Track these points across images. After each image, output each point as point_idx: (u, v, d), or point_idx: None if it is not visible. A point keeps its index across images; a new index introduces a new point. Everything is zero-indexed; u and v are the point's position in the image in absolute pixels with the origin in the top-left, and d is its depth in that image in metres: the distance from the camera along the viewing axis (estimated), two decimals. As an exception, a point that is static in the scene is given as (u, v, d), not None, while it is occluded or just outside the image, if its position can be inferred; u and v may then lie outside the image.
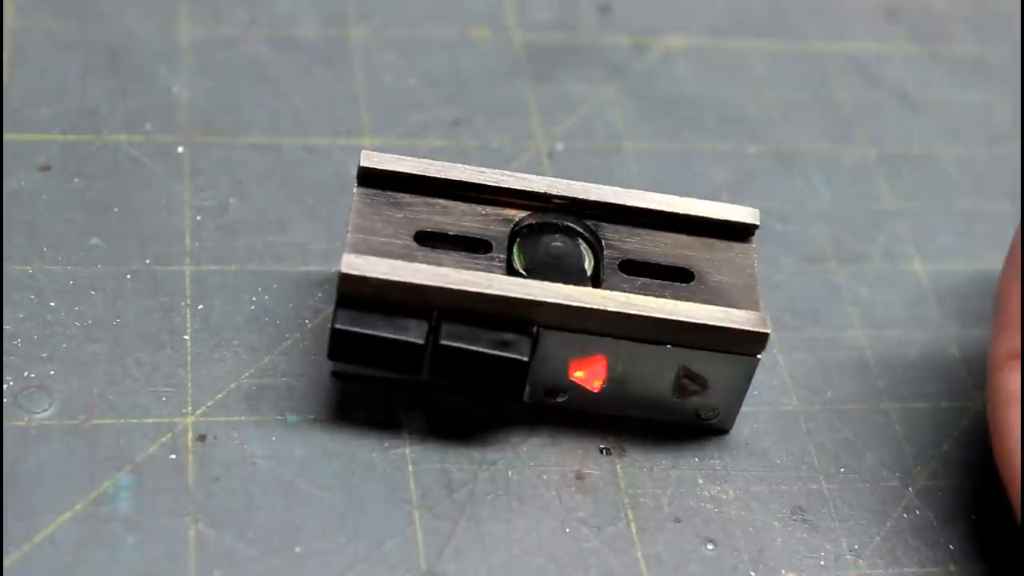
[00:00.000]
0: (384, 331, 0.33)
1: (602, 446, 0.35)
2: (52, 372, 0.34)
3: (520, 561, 0.33)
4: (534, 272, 0.34)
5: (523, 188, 0.35)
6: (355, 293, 0.33)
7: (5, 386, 0.34)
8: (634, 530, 0.34)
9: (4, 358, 0.34)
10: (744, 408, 0.36)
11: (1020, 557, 0.35)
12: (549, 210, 0.35)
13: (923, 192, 0.44)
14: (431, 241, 0.34)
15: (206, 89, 0.42)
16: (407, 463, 0.34)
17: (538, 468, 0.35)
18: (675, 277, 0.35)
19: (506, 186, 0.35)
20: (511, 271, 0.34)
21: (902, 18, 0.50)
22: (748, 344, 0.34)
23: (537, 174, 0.36)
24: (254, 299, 0.37)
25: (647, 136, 0.43)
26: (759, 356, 0.34)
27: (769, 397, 0.37)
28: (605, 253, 0.35)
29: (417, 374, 0.33)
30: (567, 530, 0.34)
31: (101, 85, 0.41)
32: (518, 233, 0.35)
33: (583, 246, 0.35)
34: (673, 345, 0.34)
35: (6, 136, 0.39)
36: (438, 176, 0.35)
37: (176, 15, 0.44)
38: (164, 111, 0.41)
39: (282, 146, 0.41)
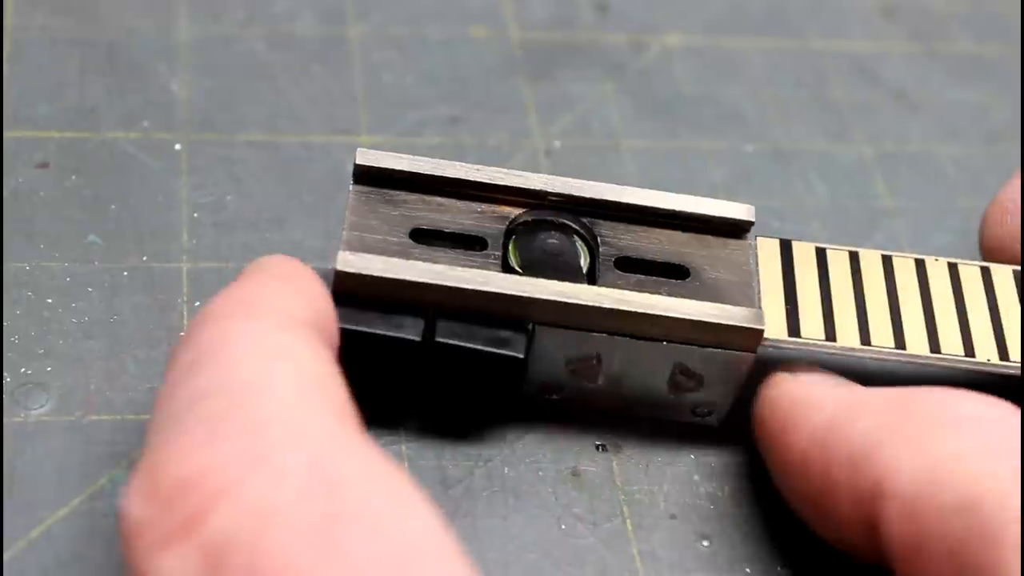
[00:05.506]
0: (380, 328, 0.33)
1: (598, 442, 0.35)
2: (49, 368, 0.34)
3: (515, 557, 0.33)
4: (530, 269, 0.34)
5: (519, 185, 0.35)
6: (351, 290, 0.33)
7: (2, 383, 0.34)
8: (630, 526, 0.34)
9: (1, 355, 0.34)
10: (740, 404, 0.36)
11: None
12: (545, 207, 0.35)
13: (920, 191, 0.44)
14: (427, 238, 0.34)
15: (204, 87, 0.42)
16: (403, 459, 0.34)
17: (534, 464, 0.35)
18: (671, 274, 0.35)
19: (502, 183, 0.35)
20: (507, 268, 0.34)
21: (900, 16, 0.50)
22: (744, 340, 0.34)
23: (534, 172, 0.36)
24: (251, 296, 0.37)
25: (644, 134, 0.43)
26: (755, 352, 0.34)
27: (765, 394, 0.37)
28: (601, 250, 0.35)
29: (413, 371, 0.33)
30: (563, 526, 0.34)
31: (99, 82, 0.41)
32: (514, 230, 0.35)
33: (579, 243, 0.35)
34: (668, 342, 0.34)
35: (4, 133, 0.39)
36: (434, 174, 0.35)
37: (174, 13, 0.44)
38: (162, 108, 0.41)
39: (280, 144, 0.41)
